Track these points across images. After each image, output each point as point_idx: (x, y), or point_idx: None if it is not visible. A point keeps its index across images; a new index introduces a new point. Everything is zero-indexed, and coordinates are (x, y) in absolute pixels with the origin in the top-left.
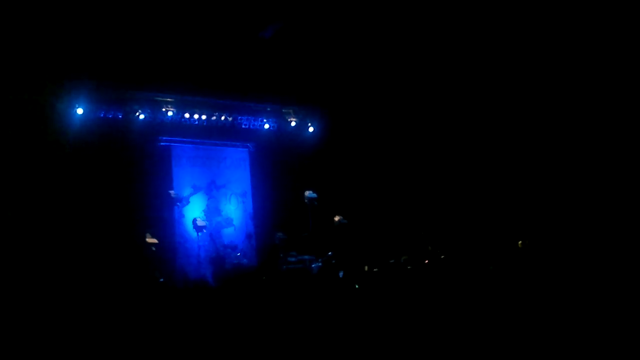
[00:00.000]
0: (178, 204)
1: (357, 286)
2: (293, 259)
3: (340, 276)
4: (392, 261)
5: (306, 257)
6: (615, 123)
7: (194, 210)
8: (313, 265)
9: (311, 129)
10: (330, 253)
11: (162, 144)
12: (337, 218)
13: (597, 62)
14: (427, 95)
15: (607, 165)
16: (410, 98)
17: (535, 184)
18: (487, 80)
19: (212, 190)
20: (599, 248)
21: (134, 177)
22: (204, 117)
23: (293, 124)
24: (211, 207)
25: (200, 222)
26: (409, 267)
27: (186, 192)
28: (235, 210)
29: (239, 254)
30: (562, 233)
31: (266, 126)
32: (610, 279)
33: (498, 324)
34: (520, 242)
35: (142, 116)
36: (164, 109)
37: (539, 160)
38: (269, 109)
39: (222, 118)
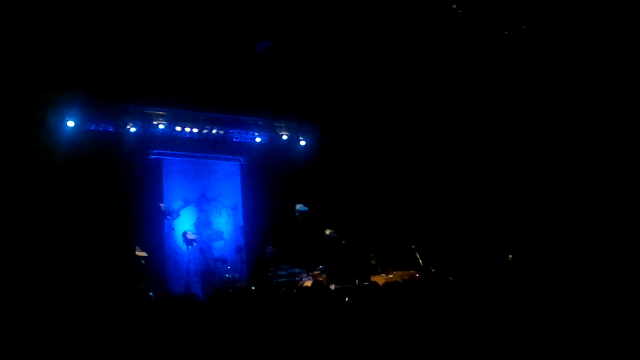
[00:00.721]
0: (168, 217)
1: (347, 299)
2: (284, 272)
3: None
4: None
5: (297, 270)
6: (608, 133)
7: (184, 224)
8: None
9: (302, 143)
10: (321, 267)
11: (153, 157)
12: (328, 231)
13: (596, 64)
14: (419, 109)
15: (599, 176)
16: (400, 112)
17: (524, 197)
18: (476, 96)
19: (202, 203)
20: (588, 260)
21: (124, 190)
22: (195, 130)
23: (284, 137)
24: (201, 220)
25: (190, 236)
26: (399, 281)
27: (176, 205)
28: (225, 224)
29: (229, 267)
30: (551, 246)
31: (257, 139)
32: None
33: (489, 336)
34: (510, 256)
35: (133, 129)
36: (155, 122)
37: (528, 174)
38: (260, 123)
39: (214, 131)
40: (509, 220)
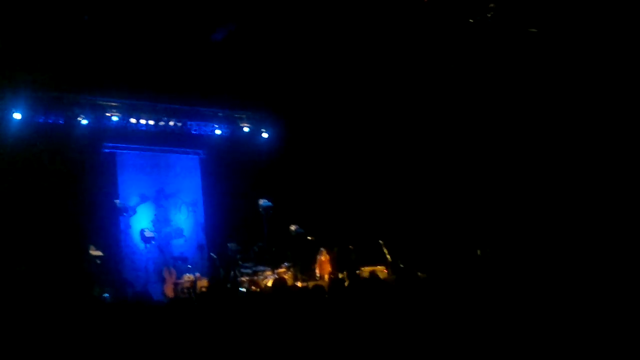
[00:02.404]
0: (124, 214)
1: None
2: (248, 271)
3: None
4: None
5: (261, 268)
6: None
7: (141, 221)
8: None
9: (265, 135)
10: (286, 264)
11: (106, 150)
12: (293, 227)
13: (596, 66)
14: (386, 100)
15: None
16: (367, 102)
17: (493, 190)
18: (450, 83)
19: (160, 199)
20: (557, 252)
21: (76, 185)
22: (151, 122)
23: (246, 129)
24: (160, 217)
25: (148, 233)
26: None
27: (133, 201)
28: (185, 220)
29: (189, 266)
30: (520, 240)
31: (218, 132)
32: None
33: (461, 334)
34: (479, 250)
35: (84, 121)
36: (108, 114)
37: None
38: (220, 114)
39: (171, 123)
40: (477, 214)
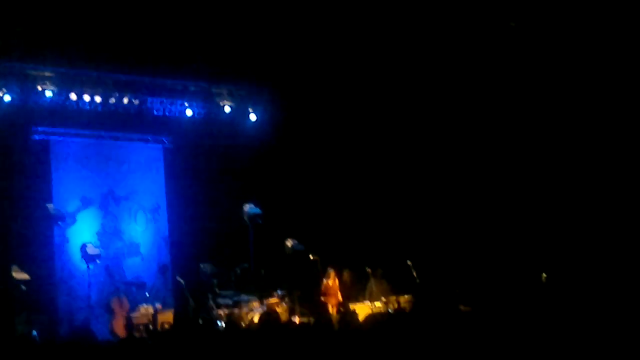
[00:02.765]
0: (60, 223)
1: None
2: (228, 301)
3: None
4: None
5: (245, 297)
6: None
7: (83, 233)
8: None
9: (253, 118)
10: (279, 292)
11: (37, 137)
12: (290, 243)
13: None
14: (408, 77)
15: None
16: (386, 75)
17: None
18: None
19: (109, 203)
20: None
21: None
22: (98, 99)
23: (227, 109)
24: (108, 227)
25: (92, 250)
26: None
27: (72, 206)
28: (143, 233)
29: (147, 294)
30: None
31: (188, 112)
32: None
33: None
34: (544, 274)
35: (7, 97)
36: (40, 87)
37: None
38: (192, 89)
39: (125, 101)
40: (536, 227)
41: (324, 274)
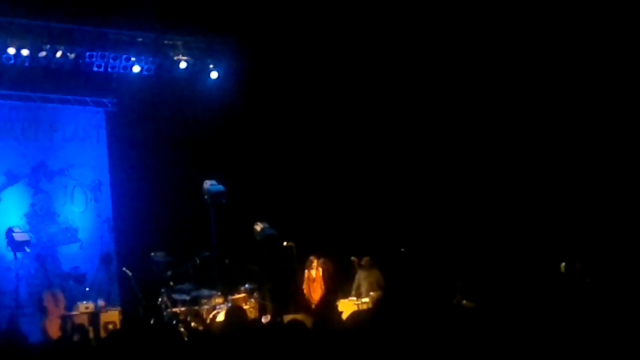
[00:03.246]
0: None
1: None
2: (184, 297)
3: None
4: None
5: (206, 292)
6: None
7: (8, 215)
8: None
9: (214, 75)
10: (247, 286)
11: None
12: (259, 226)
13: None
14: (390, 33)
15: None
16: (373, 26)
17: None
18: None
19: (40, 179)
20: None
21: None
22: (25, 52)
23: (183, 65)
24: (39, 208)
25: (20, 236)
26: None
27: None
28: (81, 215)
29: (87, 288)
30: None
31: (136, 69)
32: None
33: None
34: (563, 264)
35: None
36: None
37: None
38: (140, 40)
39: (58, 54)
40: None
41: (301, 263)
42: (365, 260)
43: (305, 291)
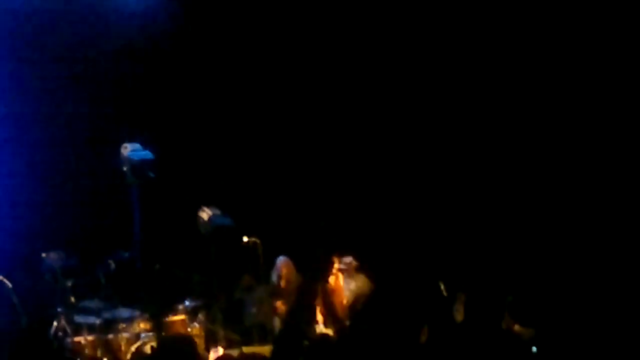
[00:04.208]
0: None
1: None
2: (93, 320)
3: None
4: None
5: (125, 313)
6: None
7: None
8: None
9: None
10: (187, 303)
11: None
12: (206, 214)
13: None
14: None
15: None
16: None
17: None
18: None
19: None
20: None
21: None
22: None
23: None
24: None
25: None
26: None
27: None
28: None
29: None
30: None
31: None
32: None
33: None
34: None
35: None
36: None
37: None
38: None
39: None
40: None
41: (269, 267)
42: (347, 261)
43: (320, 309)
